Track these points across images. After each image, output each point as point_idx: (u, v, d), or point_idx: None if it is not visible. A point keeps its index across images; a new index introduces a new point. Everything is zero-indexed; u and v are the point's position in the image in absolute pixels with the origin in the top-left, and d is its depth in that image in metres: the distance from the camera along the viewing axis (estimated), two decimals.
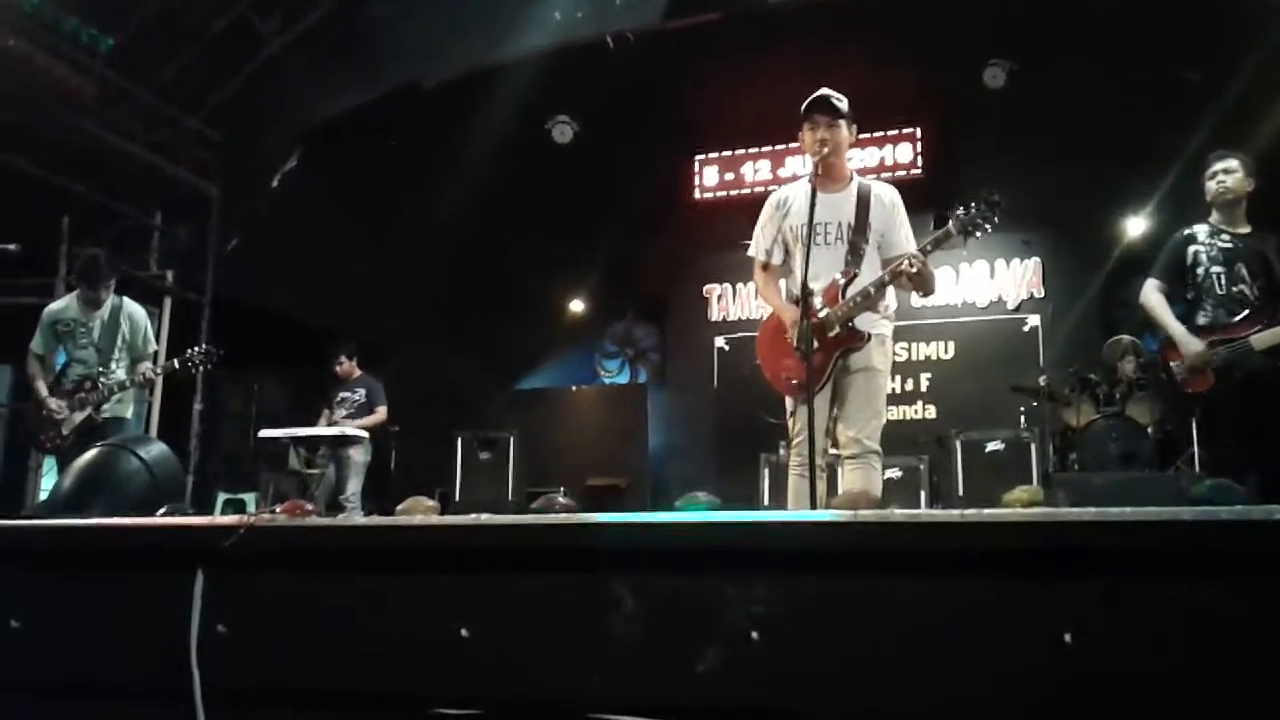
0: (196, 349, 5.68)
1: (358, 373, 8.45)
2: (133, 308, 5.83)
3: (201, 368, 5.69)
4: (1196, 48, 7.50)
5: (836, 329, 3.86)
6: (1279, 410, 4.49)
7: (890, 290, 4.05)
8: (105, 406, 5.51)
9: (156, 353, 5.86)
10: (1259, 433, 4.46)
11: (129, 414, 5.74)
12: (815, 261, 3.79)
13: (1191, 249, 4.73)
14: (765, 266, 4.23)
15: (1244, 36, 7.04)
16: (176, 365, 5.64)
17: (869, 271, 3.94)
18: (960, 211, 3.82)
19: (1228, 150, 4.77)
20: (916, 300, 9.25)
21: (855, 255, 3.97)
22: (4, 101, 7.21)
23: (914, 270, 3.79)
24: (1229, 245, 4.66)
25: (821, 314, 3.84)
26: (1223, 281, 4.62)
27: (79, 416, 5.46)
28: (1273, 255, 4.62)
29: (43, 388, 5.58)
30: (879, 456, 3.92)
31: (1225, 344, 4.52)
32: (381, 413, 8.26)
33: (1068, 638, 1.77)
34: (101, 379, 5.49)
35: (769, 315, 4.18)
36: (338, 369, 8.40)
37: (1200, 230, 4.76)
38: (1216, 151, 4.78)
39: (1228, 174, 4.67)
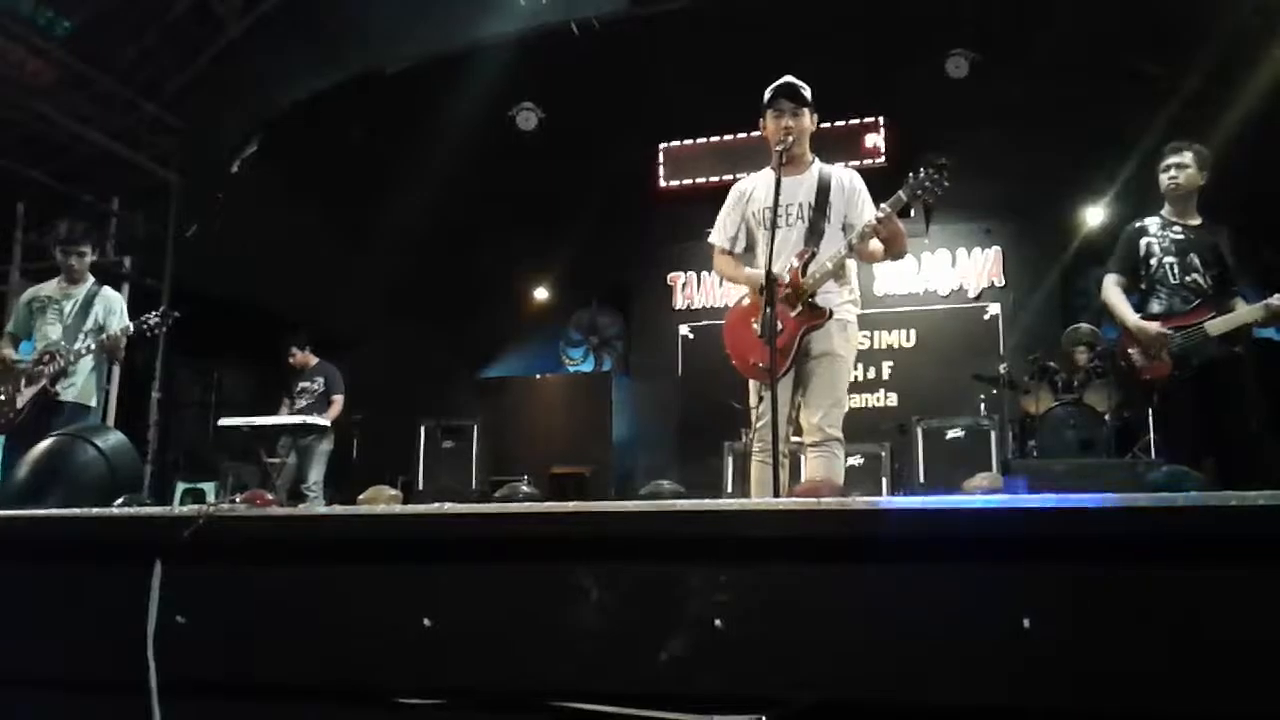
0: (153, 312, 5.56)
1: (313, 361, 8.39)
2: (110, 293, 5.77)
3: (160, 330, 5.56)
4: (1156, 39, 7.58)
5: (799, 307, 3.88)
6: (1234, 396, 4.57)
7: (853, 273, 4.08)
8: (63, 384, 5.37)
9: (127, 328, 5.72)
10: (1214, 419, 4.53)
11: (94, 403, 5.63)
12: (776, 243, 3.82)
13: (1144, 240, 4.79)
14: (726, 253, 4.25)
15: (1203, 28, 7.12)
16: (132, 329, 5.51)
17: (829, 251, 3.96)
18: (910, 177, 3.84)
19: (1182, 142, 4.82)
20: (879, 289, 9.51)
21: (814, 234, 4.00)
22: None
23: (880, 225, 3.80)
24: (1180, 236, 4.72)
25: (783, 295, 3.86)
26: (1176, 271, 4.68)
27: (33, 390, 5.34)
28: (1224, 246, 4.69)
29: (6, 351, 5.50)
30: (841, 444, 3.94)
31: (1180, 331, 4.58)
32: (338, 401, 8.20)
33: (1027, 623, 1.79)
34: (60, 351, 5.39)
35: (736, 301, 4.20)
36: (291, 361, 8.34)
37: (1152, 223, 4.82)
38: (1171, 144, 4.83)
39: (1180, 169, 4.72)
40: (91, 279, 5.75)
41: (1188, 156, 4.73)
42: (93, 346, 5.44)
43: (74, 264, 5.65)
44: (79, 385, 5.49)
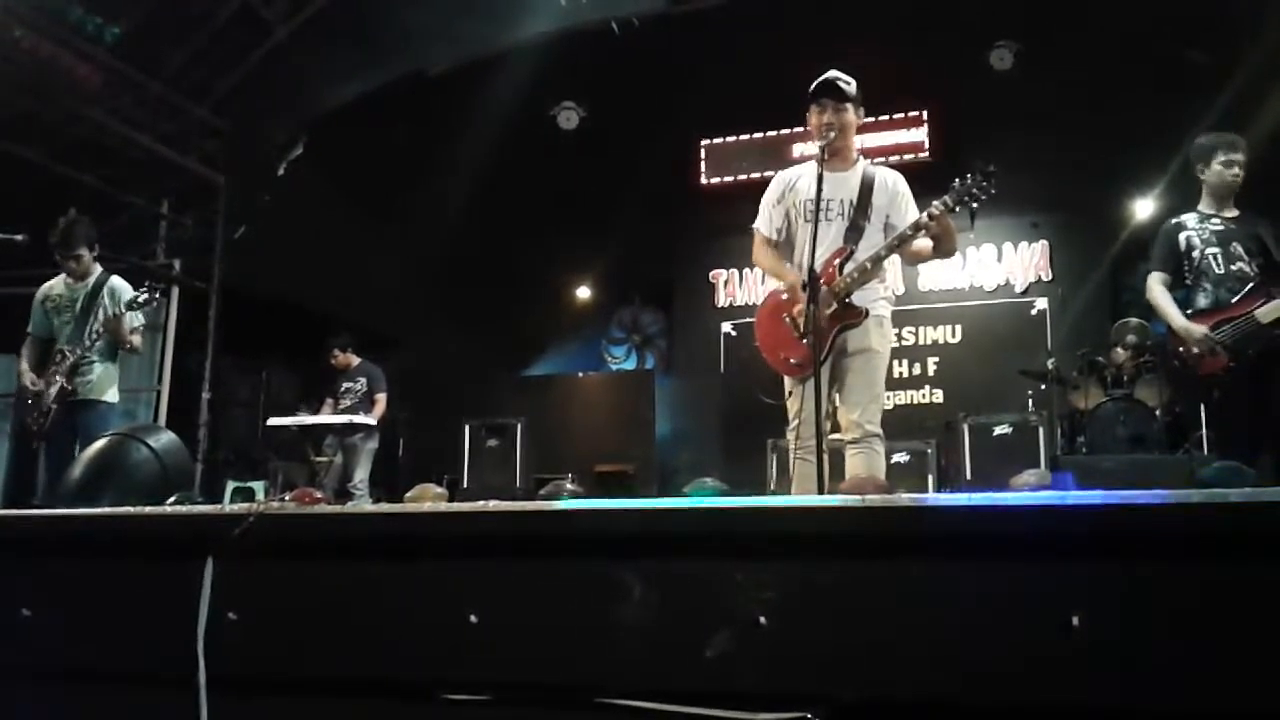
0: (140, 290, 5.54)
1: (356, 361, 8.46)
2: (116, 283, 5.69)
3: (151, 303, 5.55)
4: (1204, 29, 7.45)
5: (834, 305, 3.86)
6: None
7: (889, 269, 4.05)
8: (79, 381, 5.40)
9: (141, 326, 5.72)
10: (1270, 411, 4.45)
11: (114, 398, 5.61)
12: (816, 238, 3.81)
13: (1183, 235, 4.72)
14: (768, 242, 4.22)
15: (1251, 17, 7.00)
16: (124, 309, 5.45)
17: (866, 250, 3.93)
18: (956, 183, 3.80)
19: (1238, 137, 4.73)
20: (924, 284, 9.43)
21: (855, 232, 3.97)
22: (11, 91, 7.22)
23: (932, 222, 3.76)
24: (1220, 228, 4.66)
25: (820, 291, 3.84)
26: (1220, 261, 4.61)
27: (52, 391, 5.41)
28: (1266, 235, 4.59)
29: (24, 364, 5.56)
30: (881, 439, 3.92)
31: (1230, 322, 4.50)
32: (381, 400, 8.27)
33: (1076, 620, 1.77)
34: (68, 348, 5.43)
35: (766, 296, 4.19)
36: (333, 362, 8.42)
37: (1189, 217, 4.76)
38: (1228, 139, 4.72)
39: (1240, 165, 4.65)
40: (98, 269, 5.71)
41: (1241, 152, 4.66)
42: (96, 337, 5.42)
43: (72, 266, 5.61)
44: (95, 380, 5.50)
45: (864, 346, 3.92)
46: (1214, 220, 4.68)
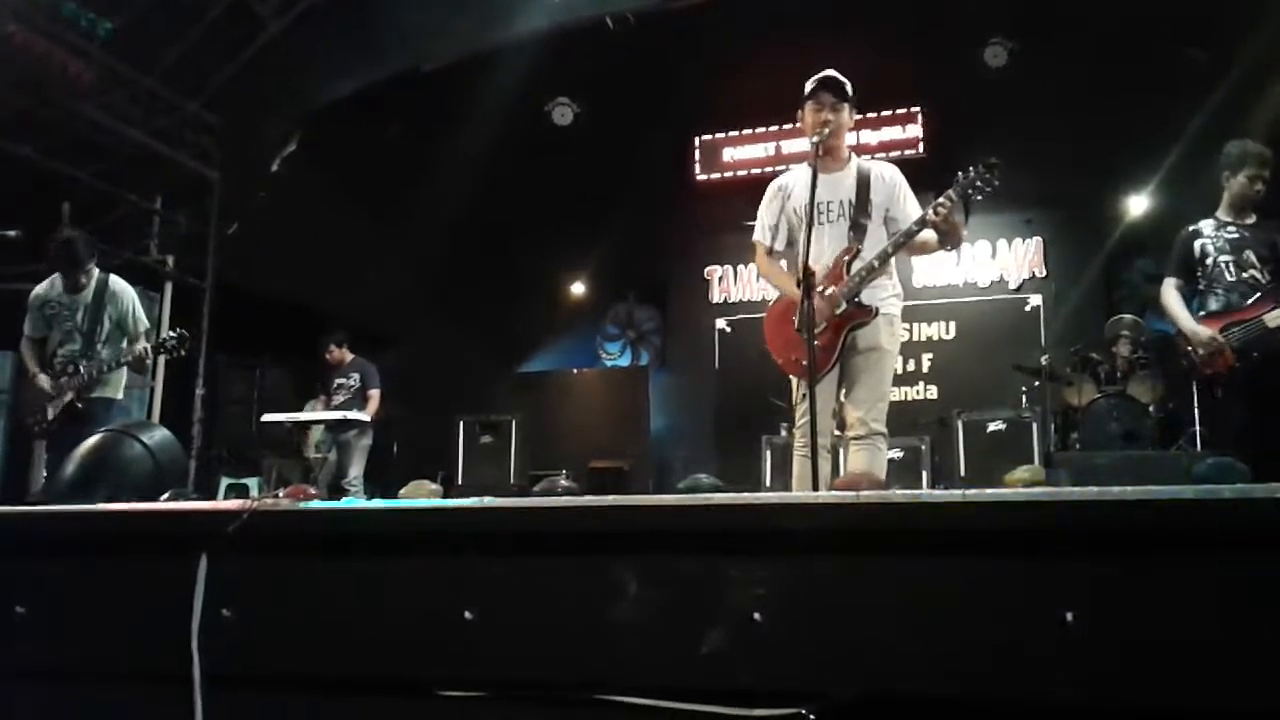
0: (170, 334, 5.54)
1: (350, 357, 8.45)
2: (118, 286, 5.63)
3: (174, 354, 5.54)
4: (1201, 26, 7.46)
5: (843, 305, 3.87)
6: None
7: (894, 269, 4.07)
8: (88, 394, 5.37)
9: (149, 330, 5.70)
10: (1266, 410, 4.49)
11: (119, 395, 5.58)
12: (818, 241, 3.82)
13: (1199, 242, 4.82)
14: (769, 251, 4.23)
15: (1249, 15, 7.00)
16: (150, 353, 5.42)
17: (872, 247, 3.94)
18: (960, 175, 3.82)
19: (1269, 152, 4.75)
20: (919, 280, 9.45)
21: (858, 232, 3.98)
22: (4, 87, 7.19)
23: (939, 217, 3.77)
24: (1235, 235, 4.75)
25: (827, 293, 3.85)
26: (1232, 268, 4.70)
27: (62, 401, 5.39)
28: None
29: (33, 366, 5.53)
30: (885, 438, 3.93)
31: (1239, 325, 4.57)
32: (375, 396, 8.26)
33: (1069, 616, 1.77)
34: (83, 363, 5.38)
35: (776, 298, 4.19)
36: (328, 357, 8.41)
37: (1206, 225, 4.84)
38: (1261, 155, 4.73)
39: (1265, 182, 4.70)
40: (96, 272, 5.62)
41: (1269, 167, 4.71)
42: (121, 361, 5.38)
43: (81, 280, 5.55)
44: (106, 384, 5.48)
45: (874, 345, 3.93)
46: (1230, 228, 4.77)
